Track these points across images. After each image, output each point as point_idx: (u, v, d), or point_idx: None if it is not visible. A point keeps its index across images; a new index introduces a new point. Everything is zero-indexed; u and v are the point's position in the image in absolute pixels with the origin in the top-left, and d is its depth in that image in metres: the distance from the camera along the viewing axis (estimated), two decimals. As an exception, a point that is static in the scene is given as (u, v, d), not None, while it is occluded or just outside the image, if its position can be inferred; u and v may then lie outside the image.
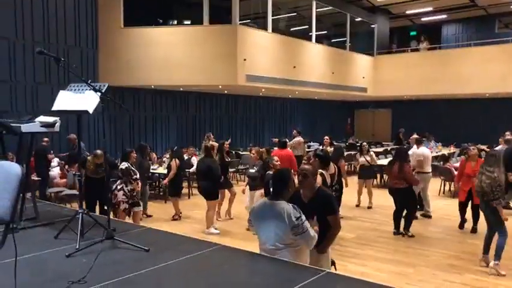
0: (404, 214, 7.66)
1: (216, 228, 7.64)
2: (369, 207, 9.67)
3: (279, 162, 7.20)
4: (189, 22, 13.50)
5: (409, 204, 7.58)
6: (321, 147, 11.16)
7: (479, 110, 18.87)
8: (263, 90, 14.76)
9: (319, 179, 5.75)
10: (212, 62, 12.33)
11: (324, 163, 6.21)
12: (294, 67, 14.48)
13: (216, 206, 7.95)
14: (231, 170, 10.95)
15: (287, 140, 9.96)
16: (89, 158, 7.42)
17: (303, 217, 3.19)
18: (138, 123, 13.80)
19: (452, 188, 11.12)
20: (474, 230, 7.55)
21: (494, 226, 5.78)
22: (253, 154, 8.14)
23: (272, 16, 14.21)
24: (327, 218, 3.91)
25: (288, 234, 3.17)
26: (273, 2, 14.12)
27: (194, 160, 10.72)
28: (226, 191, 8.60)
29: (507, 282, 5.44)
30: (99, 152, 7.34)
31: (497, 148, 9.76)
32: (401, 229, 7.57)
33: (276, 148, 9.31)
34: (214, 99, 15.99)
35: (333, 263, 5.05)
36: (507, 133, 11.76)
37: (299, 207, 4.00)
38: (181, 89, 14.13)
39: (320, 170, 5.93)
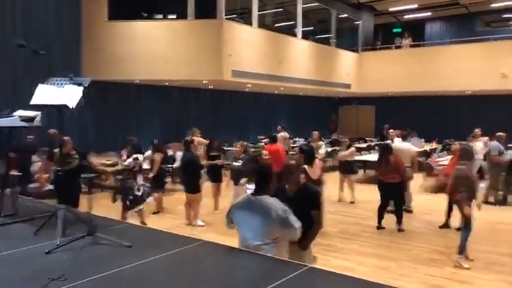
0: (389, 209, 7.78)
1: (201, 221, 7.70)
2: (352, 202, 9.77)
3: (268, 156, 7.22)
4: (174, 16, 13.38)
5: (398, 199, 7.67)
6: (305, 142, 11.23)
7: (461, 106, 19.14)
8: (249, 85, 14.74)
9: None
10: (197, 57, 12.26)
11: (309, 158, 6.23)
12: (280, 63, 14.49)
13: (201, 199, 7.94)
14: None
15: (277, 135, 10.04)
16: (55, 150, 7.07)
17: (288, 210, 3.21)
18: (122, 118, 13.64)
19: (434, 183, 11.27)
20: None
21: (463, 220, 5.88)
22: (237, 148, 8.16)
23: (258, 11, 14.18)
24: (310, 214, 3.94)
25: (275, 228, 3.18)
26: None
27: (178, 155, 10.69)
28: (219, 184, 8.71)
29: (485, 275, 5.56)
30: (66, 139, 6.57)
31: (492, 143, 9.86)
32: (383, 224, 7.69)
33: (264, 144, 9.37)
34: (199, 94, 15.91)
35: (315, 259, 5.12)
36: (476, 130, 11.96)
37: (284, 201, 4.02)
38: (166, 83, 14.02)
39: (304, 165, 5.97)
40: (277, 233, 3.19)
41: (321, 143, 10.86)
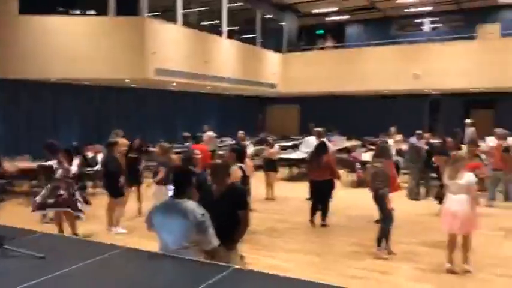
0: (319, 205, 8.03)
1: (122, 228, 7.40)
2: (272, 199, 9.99)
3: (200, 156, 7.09)
4: (93, 12, 12.77)
5: (327, 196, 7.94)
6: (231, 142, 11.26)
7: (378, 105, 20.25)
8: (173, 84, 14.47)
9: (238, 172, 5.78)
10: (118, 55, 11.79)
11: (240, 157, 6.21)
12: (206, 62, 14.38)
13: (124, 204, 7.65)
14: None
15: (201, 134, 9.92)
16: None
17: (207, 214, 3.15)
18: (37, 119, 12.77)
19: (355, 179, 11.83)
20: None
21: (381, 213, 6.22)
22: (157, 149, 7.95)
23: (183, 9, 13.96)
24: (237, 214, 3.93)
25: (192, 232, 3.11)
26: (183, -6, 13.88)
27: (100, 157, 10.22)
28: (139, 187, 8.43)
29: (404, 264, 5.90)
30: None
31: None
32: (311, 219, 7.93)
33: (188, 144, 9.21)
34: (122, 94, 15.31)
35: (242, 258, 5.13)
36: (391, 128, 12.75)
37: (210, 201, 3.97)
38: (85, 82, 13.33)
39: (239, 164, 5.96)
40: (194, 237, 3.12)
41: (247, 142, 10.95)
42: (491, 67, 15.79)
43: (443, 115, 19.94)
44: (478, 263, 5.64)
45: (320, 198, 7.94)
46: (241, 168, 5.92)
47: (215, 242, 3.15)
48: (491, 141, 10.01)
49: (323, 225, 7.82)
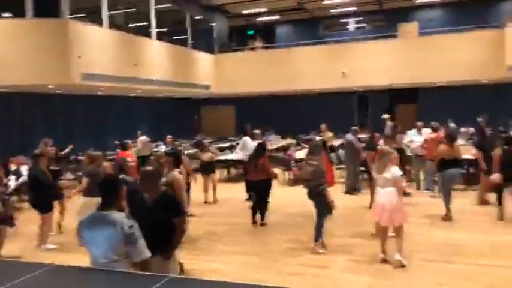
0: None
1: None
2: (214, 202, 9.91)
3: (133, 163, 6.84)
4: (9, 15, 11.95)
5: (266, 195, 7.98)
6: (165, 147, 11.03)
7: (310, 103, 20.79)
8: (102, 89, 13.92)
9: (180, 176, 5.65)
10: (40, 60, 11.11)
11: (176, 162, 6.06)
12: (136, 64, 13.97)
13: (51, 220, 7.21)
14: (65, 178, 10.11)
15: (128, 142, 9.54)
16: None
17: (136, 225, 3.04)
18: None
19: (291, 177, 12.04)
20: None
21: (318, 209, 6.38)
22: (84, 159, 7.59)
23: (108, 11, 13.47)
24: (172, 221, 3.84)
25: (121, 244, 2.98)
26: (108, -4, 13.38)
27: (24, 170, 9.59)
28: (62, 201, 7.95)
29: (340, 257, 6.09)
30: None
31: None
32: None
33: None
34: (46, 100, 14.46)
35: (180, 266, 5.04)
36: (322, 125, 13.16)
37: (143, 210, 3.84)
38: (2, 89, 12.44)
39: (178, 169, 5.83)
40: (123, 250, 3.00)
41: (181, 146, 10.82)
42: (412, 64, 16.77)
43: (371, 111, 20.91)
44: (409, 250, 5.93)
45: (258, 198, 7.99)
46: (181, 173, 5.81)
47: (146, 253, 3.04)
48: (424, 134, 10.57)
49: (262, 224, 7.89)
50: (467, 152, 10.08)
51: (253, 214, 8.02)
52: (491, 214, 7.86)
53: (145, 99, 18.96)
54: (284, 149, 15.12)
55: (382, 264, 5.71)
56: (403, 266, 5.56)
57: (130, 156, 8.19)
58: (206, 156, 10.15)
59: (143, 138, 12.75)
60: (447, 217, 7.76)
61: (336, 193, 8.10)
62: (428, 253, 6.09)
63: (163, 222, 3.83)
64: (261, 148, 8.13)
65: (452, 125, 14.91)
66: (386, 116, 15.81)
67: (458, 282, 5.12)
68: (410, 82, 17.37)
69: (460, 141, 12.87)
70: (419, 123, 11.59)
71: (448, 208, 7.79)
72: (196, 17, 19.28)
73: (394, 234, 5.80)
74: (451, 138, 8.16)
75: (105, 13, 13.25)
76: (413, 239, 6.48)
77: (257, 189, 7.99)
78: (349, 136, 10.48)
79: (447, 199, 7.82)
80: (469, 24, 17.57)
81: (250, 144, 10.24)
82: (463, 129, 15.22)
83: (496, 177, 7.73)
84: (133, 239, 2.98)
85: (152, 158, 10.46)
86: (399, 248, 5.67)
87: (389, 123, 15.16)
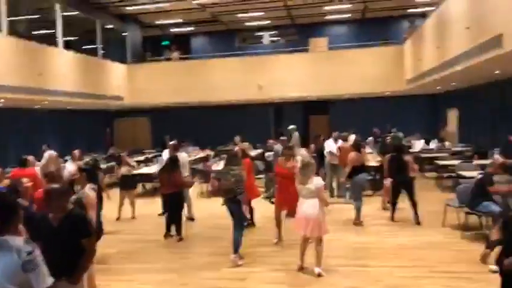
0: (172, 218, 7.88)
1: None
2: (133, 218, 9.52)
3: (29, 183, 6.27)
4: None
5: (179, 208, 7.83)
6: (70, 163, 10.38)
7: (228, 115, 20.93)
8: (1, 100, 12.82)
9: (93, 194, 5.30)
10: None
11: (91, 176, 5.72)
12: (40, 74, 13.07)
13: None
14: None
15: (29, 157, 8.71)
16: None
17: (37, 251, 2.79)
18: None
19: (209, 189, 11.94)
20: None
21: (237, 220, 6.39)
22: None
23: (8, 17, 12.50)
24: (80, 242, 3.61)
25: (18, 273, 2.71)
26: (9, 1, 12.42)
27: None
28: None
29: (259, 268, 6.12)
30: None
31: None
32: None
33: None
34: None
35: None
36: (236, 138, 13.32)
37: (47, 232, 3.55)
38: None
39: (92, 185, 5.49)
40: (20, 278, 2.73)
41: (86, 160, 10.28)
42: (323, 77, 17.63)
43: (287, 122, 21.53)
44: (324, 256, 6.08)
45: (171, 211, 7.85)
46: (94, 189, 5.48)
47: (48, 281, 2.80)
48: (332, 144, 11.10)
49: (179, 239, 7.71)
50: (374, 159, 10.77)
51: (167, 228, 7.85)
52: (397, 218, 8.42)
53: (53, 112, 17.77)
54: (202, 160, 15.00)
55: (298, 271, 5.84)
56: (320, 275, 5.70)
57: (31, 174, 7.46)
58: (123, 170, 9.70)
59: (50, 152, 11.88)
60: (358, 222, 8.19)
61: (259, 203, 8.19)
62: (340, 258, 6.36)
63: (69, 243, 3.59)
64: (173, 162, 7.99)
65: (400, 134, 15.71)
66: (292, 126, 16.33)
67: (366, 284, 5.39)
68: (321, 94, 18.22)
69: (368, 150, 13.76)
70: (335, 133, 12.16)
71: (358, 213, 8.22)
72: (108, 26, 18.58)
73: (315, 247, 5.80)
74: (357, 146, 8.69)
75: (4, 19, 12.28)
76: (328, 244, 6.69)
77: (169, 202, 7.85)
78: (278, 147, 10.70)
79: (357, 204, 8.26)
80: (373, 40, 18.91)
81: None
82: (370, 138, 16.23)
83: (387, 182, 8.53)
84: (32, 266, 2.72)
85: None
86: (319, 261, 5.75)
87: (295, 134, 15.72)
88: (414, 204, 8.15)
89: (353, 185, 8.48)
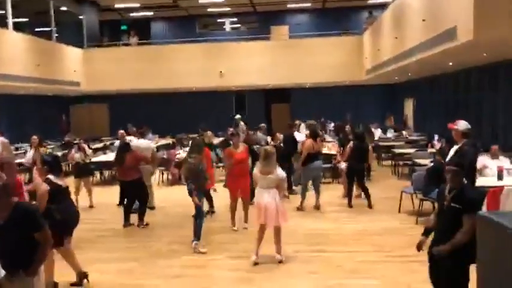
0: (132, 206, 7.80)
1: None
2: (91, 207, 9.28)
3: None
4: None
5: (141, 195, 7.75)
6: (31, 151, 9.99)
7: (189, 102, 20.68)
8: None
9: (43, 187, 5.03)
10: None
11: (53, 168, 5.38)
12: (-11, 58, 12.42)
13: None
14: None
15: None
16: None
17: None
18: None
19: (170, 177, 11.84)
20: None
21: (196, 208, 6.37)
22: None
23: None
24: (32, 236, 3.48)
25: None
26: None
27: None
28: None
29: (220, 255, 6.13)
30: None
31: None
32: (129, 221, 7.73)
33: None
34: None
35: (85, 276, 5.04)
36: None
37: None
38: None
39: (51, 176, 5.16)
40: None
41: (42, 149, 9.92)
42: (284, 65, 17.70)
43: (248, 110, 21.56)
44: (283, 242, 6.14)
45: (131, 198, 7.77)
46: (48, 181, 5.07)
47: None
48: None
49: (143, 226, 7.63)
50: (334, 148, 10.97)
51: (127, 216, 7.74)
52: (354, 205, 8.65)
53: (4, 97, 16.94)
54: (165, 148, 14.77)
55: (254, 266, 5.75)
56: (280, 261, 5.77)
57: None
58: (77, 157, 9.35)
59: (1, 139, 11.35)
60: (300, 208, 8.49)
61: (223, 192, 8.14)
62: (300, 244, 6.47)
63: (21, 238, 3.47)
64: (123, 146, 8.00)
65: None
66: (238, 116, 16.39)
67: (326, 270, 5.52)
68: (282, 82, 18.31)
69: (329, 138, 14.02)
70: (297, 122, 12.33)
71: (302, 199, 8.56)
72: (63, 8, 17.82)
73: (274, 235, 5.83)
74: (314, 134, 8.91)
75: None
76: (288, 232, 6.79)
77: (127, 189, 7.80)
78: (260, 135, 10.71)
79: (303, 191, 8.58)
80: (333, 29, 19.13)
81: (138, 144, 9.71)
82: (331, 127, 16.51)
83: (343, 167, 9.05)
84: None
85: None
86: (279, 248, 5.81)
87: (241, 124, 15.83)
88: (364, 190, 8.63)
89: (305, 172, 8.68)
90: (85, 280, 5.21)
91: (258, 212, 5.79)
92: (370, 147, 8.99)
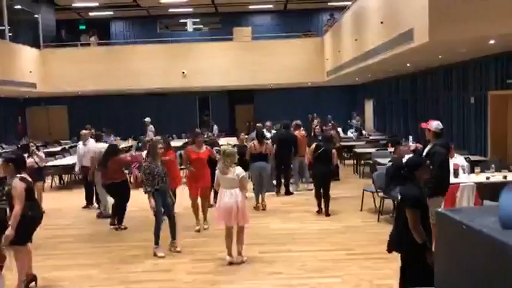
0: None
1: None
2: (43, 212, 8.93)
3: None
4: None
5: (124, 197, 7.85)
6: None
7: (151, 103, 20.33)
8: None
9: (20, 186, 4.80)
10: None
11: (19, 166, 5.13)
12: None
13: None
14: None
15: None
16: None
17: None
18: None
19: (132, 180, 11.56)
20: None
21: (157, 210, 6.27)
22: None
23: None
24: None
25: None
26: None
27: None
28: None
29: (184, 258, 6.04)
30: None
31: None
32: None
33: None
34: None
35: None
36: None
37: None
38: None
39: (20, 175, 4.94)
40: None
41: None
42: (247, 66, 17.71)
43: (212, 111, 21.46)
44: (247, 243, 6.12)
45: (117, 200, 7.85)
46: (23, 179, 4.90)
47: None
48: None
49: (123, 228, 7.70)
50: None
51: (113, 217, 7.79)
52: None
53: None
54: (125, 151, 14.44)
55: (223, 260, 5.82)
56: (243, 262, 5.78)
57: None
58: (28, 161, 8.96)
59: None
60: (258, 207, 8.68)
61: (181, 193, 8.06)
62: (264, 245, 6.48)
63: None
64: (112, 149, 8.07)
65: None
66: (147, 119, 16.33)
67: (290, 270, 5.55)
68: (245, 84, 18.31)
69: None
70: (268, 123, 12.38)
71: (256, 198, 8.73)
72: (17, 7, 17.12)
73: (236, 234, 5.83)
74: (260, 136, 9.21)
75: None
76: (252, 232, 6.78)
77: (115, 191, 7.85)
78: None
79: (256, 190, 8.79)
80: (295, 31, 19.32)
81: (93, 146, 9.43)
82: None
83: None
84: None
85: None
86: (241, 249, 5.82)
87: (150, 127, 15.81)
88: (326, 198, 8.13)
89: (251, 171, 9.07)
90: (33, 283, 5.08)
91: (221, 213, 5.73)
92: (334, 148, 8.99)
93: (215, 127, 18.28)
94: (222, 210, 5.73)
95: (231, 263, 5.76)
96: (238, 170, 5.76)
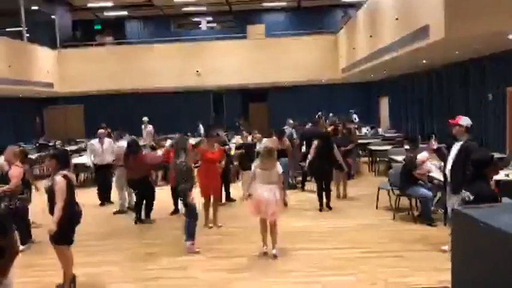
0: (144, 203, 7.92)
1: None
2: None
3: None
4: None
5: (149, 192, 7.94)
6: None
7: (167, 102, 20.45)
8: None
9: (62, 182, 4.89)
10: None
11: (62, 163, 5.19)
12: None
13: None
14: None
15: None
16: None
17: None
18: None
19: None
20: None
21: (185, 208, 6.33)
22: None
23: None
24: None
25: None
26: None
27: None
28: None
29: (201, 256, 6.09)
30: None
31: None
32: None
33: None
34: None
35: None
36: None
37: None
38: None
39: (63, 172, 5.05)
40: None
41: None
42: (261, 64, 17.72)
43: (226, 110, 21.51)
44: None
45: (140, 196, 7.93)
46: (65, 176, 4.94)
47: None
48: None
49: (148, 222, 7.82)
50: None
51: (136, 213, 7.89)
52: (337, 205, 8.73)
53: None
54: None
55: (236, 257, 5.89)
56: (275, 256, 5.87)
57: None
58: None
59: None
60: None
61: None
62: (279, 243, 6.46)
63: None
64: (133, 145, 8.15)
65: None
66: (145, 118, 16.26)
67: (305, 268, 5.55)
68: (259, 82, 18.32)
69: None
70: (291, 121, 12.39)
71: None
72: (34, 8, 17.39)
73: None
74: (280, 133, 9.23)
75: None
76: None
77: (137, 188, 7.98)
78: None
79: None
80: (309, 28, 19.24)
81: (112, 145, 9.59)
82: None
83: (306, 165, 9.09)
84: None
85: None
86: (275, 242, 5.95)
87: (149, 126, 15.73)
88: (327, 194, 8.34)
89: None
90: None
91: (257, 206, 5.86)
92: (335, 146, 8.82)
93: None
94: (258, 203, 5.85)
95: (265, 253, 5.93)
96: (280, 167, 5.95)
